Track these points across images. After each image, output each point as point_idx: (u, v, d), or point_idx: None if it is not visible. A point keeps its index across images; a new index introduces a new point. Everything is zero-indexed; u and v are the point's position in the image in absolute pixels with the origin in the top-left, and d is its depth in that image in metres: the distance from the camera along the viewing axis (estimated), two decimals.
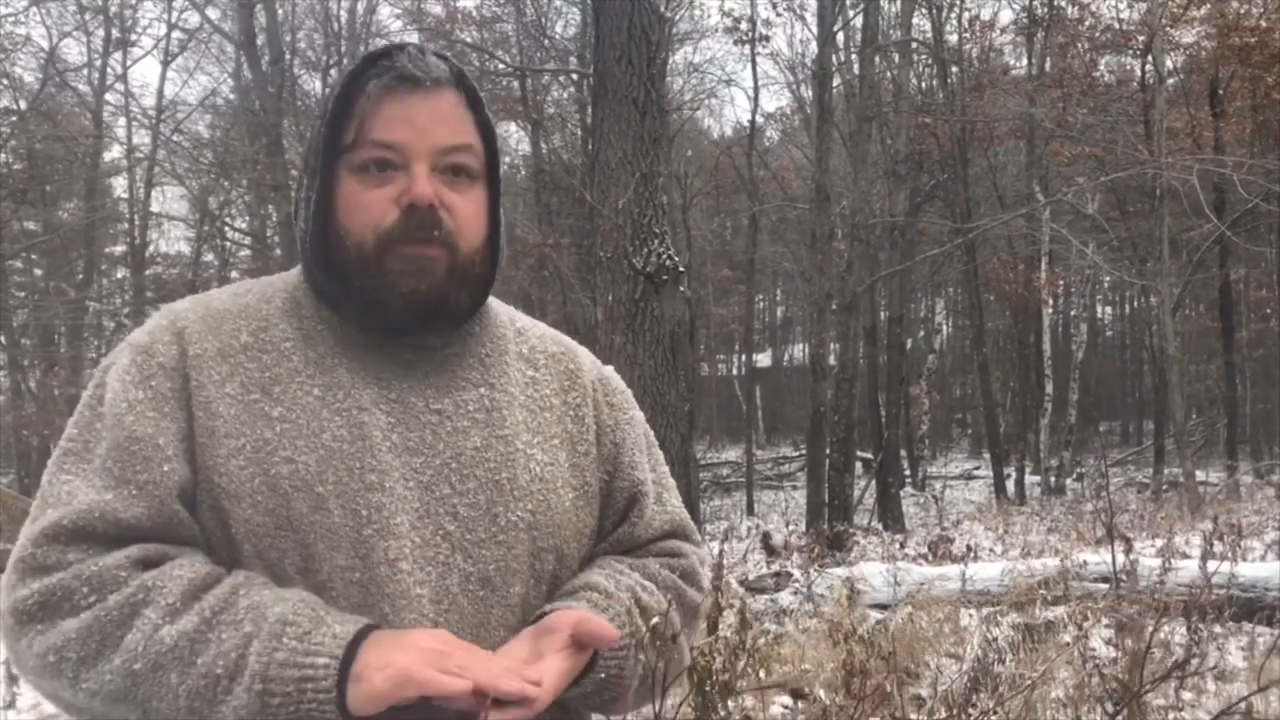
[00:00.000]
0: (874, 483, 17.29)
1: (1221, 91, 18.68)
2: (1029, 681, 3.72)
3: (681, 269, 7.55)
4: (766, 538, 9.03)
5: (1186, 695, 4.29)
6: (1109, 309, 36.32)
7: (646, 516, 1.13)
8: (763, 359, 34.55)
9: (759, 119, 23.15)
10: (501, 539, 1.01)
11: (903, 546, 10.02)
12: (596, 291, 7.90)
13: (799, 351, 34.40)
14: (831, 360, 15.77)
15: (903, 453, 21.16)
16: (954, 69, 19.80)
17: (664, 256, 7.33)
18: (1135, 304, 31.55)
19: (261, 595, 0.91)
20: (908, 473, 21.37)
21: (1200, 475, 16.18)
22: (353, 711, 0.87)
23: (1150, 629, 4.59)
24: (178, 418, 0.97)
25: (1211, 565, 5.68)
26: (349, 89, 1.01)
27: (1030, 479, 20.12)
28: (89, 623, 0.88)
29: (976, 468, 24.81)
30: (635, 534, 1.13)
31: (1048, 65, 21.07)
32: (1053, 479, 19.69)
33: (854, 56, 18.18)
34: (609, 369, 1.20)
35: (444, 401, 1.03)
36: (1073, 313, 25.89)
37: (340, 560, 0.95)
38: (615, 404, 1.16)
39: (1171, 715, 3.99)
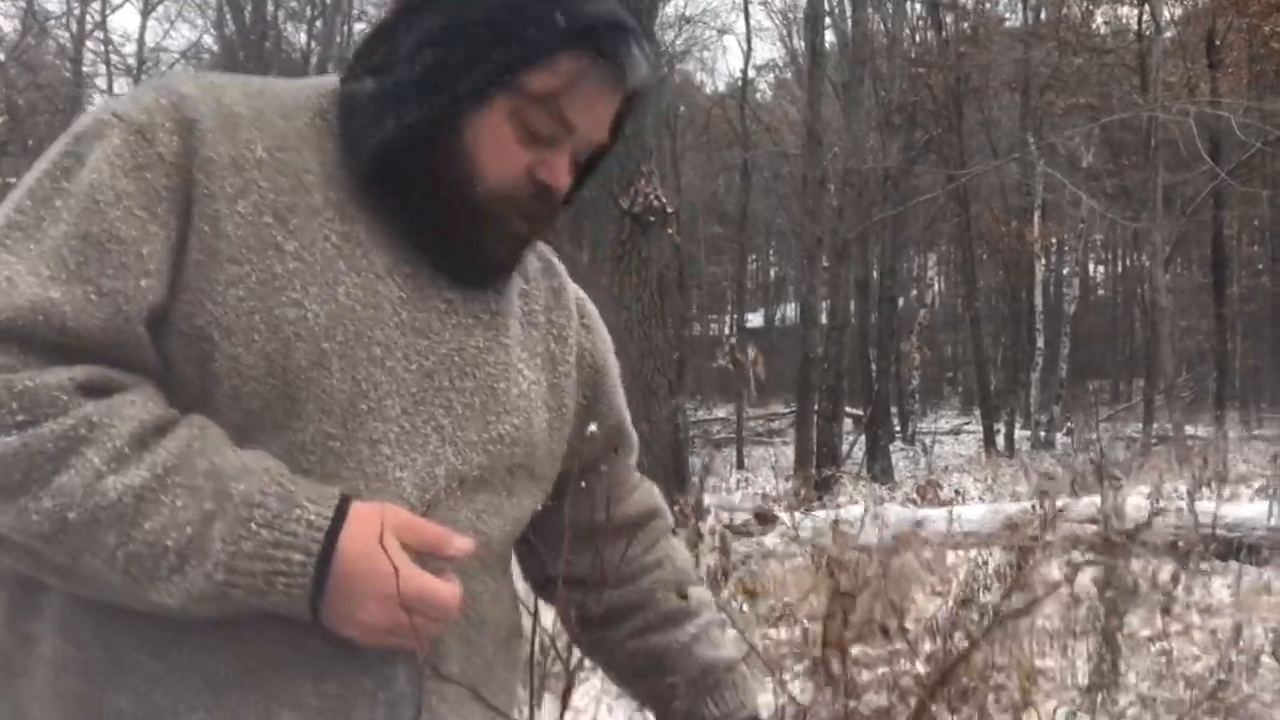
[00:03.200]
0: (863, 436, 17.32)
1: (1218, 42, 18.50)
2: (1015, 609, 3.68)
3: (669, 210, 7.41)
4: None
5: (1175, 627, 4.29)
6: (1101, 268, 36.31)
7: (631, 460, 1.19)
8: (754, 319, 34.53)
9: (751, 71, 22.86)
10: (489, 448, 0.95)
11: (891, 493, 10.03)
12: (584, 234, 7.78)
13: (791, 311, 34.38)
14: (824, 318, 15.71)
15: (893, 409, 21.18)
16: (948, 18, 19.56)
17: (651, 197, 7.19)
18: (1128, 262, 31.53)
19: (223, 457, 0.80)
20: (898, 428, 21.41)
21: (1189, 430, 16.22)
22: (328, 628, 0.82)
23: (1137, 563, 4.57)
24: (169, 225, 0.83)
25: (1200, 505, 5.70)
26: (564, 39, 0.89)
27: (1020, 433, 20.19)
28: (16, 449, 0.75)
29: (967, 423, 24.89)
30: (616, 473, 1.16)
31: (1043, 17, 20.83)
32: (1042, 433, 19.76)
33: (848, 4, 17.94)
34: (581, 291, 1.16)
35: (455, 292, 0.95)
36: (1065, 270, 25.84)
37: (328, 427, 0.85)
38: (592, 327, 1.13)
39: (1157, 644, 3.98)
